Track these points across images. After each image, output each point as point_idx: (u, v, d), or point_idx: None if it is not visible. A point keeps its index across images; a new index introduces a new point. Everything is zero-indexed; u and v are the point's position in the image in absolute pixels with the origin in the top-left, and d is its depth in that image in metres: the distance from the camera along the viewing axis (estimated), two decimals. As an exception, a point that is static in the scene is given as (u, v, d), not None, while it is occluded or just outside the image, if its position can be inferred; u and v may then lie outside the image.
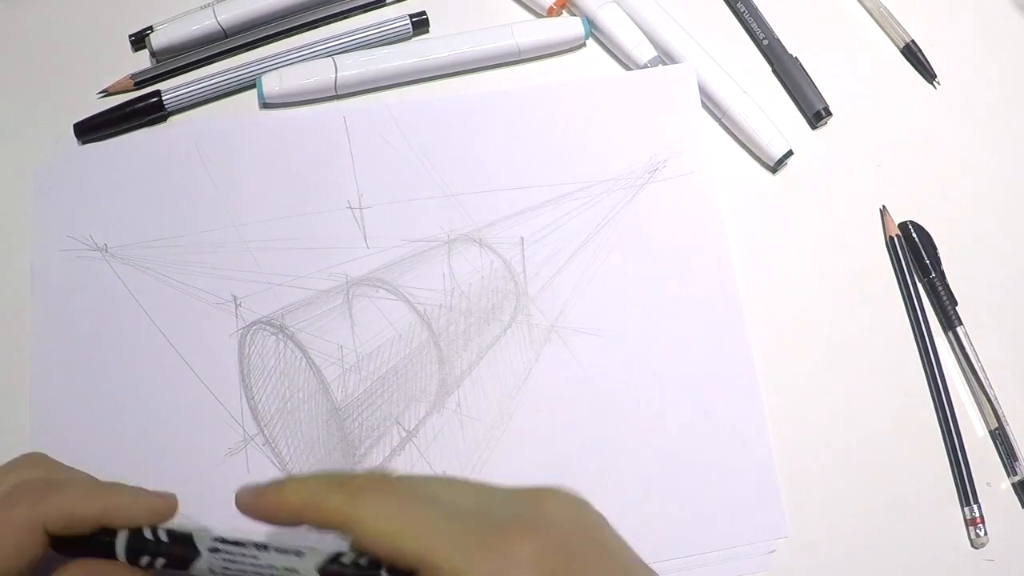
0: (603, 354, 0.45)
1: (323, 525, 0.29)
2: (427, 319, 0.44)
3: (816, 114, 0.50)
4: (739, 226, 0.48)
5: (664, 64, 0.50)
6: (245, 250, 0.46)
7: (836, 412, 0.45)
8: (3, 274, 0.46)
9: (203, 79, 0.49)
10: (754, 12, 0.52)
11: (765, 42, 0.51)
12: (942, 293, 0.47)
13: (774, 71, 0.51)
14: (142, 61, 0.50)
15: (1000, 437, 0.45)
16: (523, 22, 0.51)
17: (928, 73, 0.51)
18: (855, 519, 0.44)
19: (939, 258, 0.48)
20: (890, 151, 0.50)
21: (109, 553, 0.30)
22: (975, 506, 0.44)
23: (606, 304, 0.46)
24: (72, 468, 0.34)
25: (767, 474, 0.43)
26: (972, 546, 0.44)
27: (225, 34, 0.50)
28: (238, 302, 0.45)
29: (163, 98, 0.48)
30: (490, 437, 0.44)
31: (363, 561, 0.29)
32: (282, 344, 0.43)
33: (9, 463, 0.33)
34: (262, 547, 0.30)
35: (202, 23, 0.49)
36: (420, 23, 0.50)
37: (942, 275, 0.47)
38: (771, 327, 0.46)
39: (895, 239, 0.48)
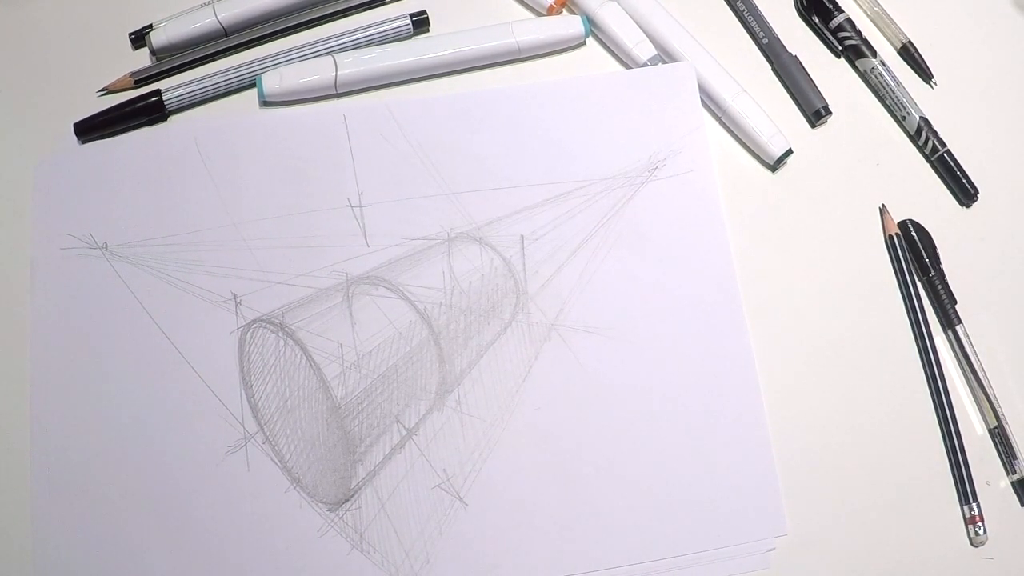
0: (603, 352, 0.45)
1: None
2: (427, 317, 0.44)
3: (816, 113, 0.50)
4: (739, 225, 0.48)
5: (664, 63, 0.50)
6: (245, 248, 0.46)
7: (835, 410, 0.45)
8: (3, 272, 0.46)
9: (203, 78, 0.49)
10: (754, 11, 0.52)
11: (765, 41, 0.51)
12: (941, 292, 0.47)
13: (774, 70, 0.51)
14: (142, 59, 0.50)
15: (999, 435, 0.45)
16: (523, 21, 0.51)
17: (925, 73, 0.52)
18: (854, 517, 0.44)
19: (938, 257, 0.48)
20: (889, 150, 0.50)
21: None
22: (974, 504, 0.44)
23: (606, 302, 0.46)
24: None
25: (766, 472, 0.44)
26: (971, 544, 0.44)
27: (225, 32, 0.50)
28: (238, 300, 0.45)
29: (163, 97, 0.48)
30: (490, 435, 0.44)
31: None
32: (282, 342, 0.43)
33: None
34: None
35: (202, 21, 0.49)
36: (420, 22, 0.50)
37: (941, 274, 0.48)
38: (770, 325, 0.46)
39: (894, 238, 0.48)
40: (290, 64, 0.49)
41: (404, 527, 0.42)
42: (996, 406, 0.45)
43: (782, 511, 0.43)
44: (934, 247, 0.48)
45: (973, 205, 0.49)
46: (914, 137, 0.50)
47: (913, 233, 0.48)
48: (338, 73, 0.48)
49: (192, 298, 0.45)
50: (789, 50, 0.51)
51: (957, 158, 0.49)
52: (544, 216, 0.47)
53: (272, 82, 0.48)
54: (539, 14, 0.51)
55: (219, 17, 0.49)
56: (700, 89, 0.49)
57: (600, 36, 0.51)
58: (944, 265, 0.48)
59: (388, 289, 0.45)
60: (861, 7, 0.53)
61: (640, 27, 0.50)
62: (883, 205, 0.49)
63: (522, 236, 0.47)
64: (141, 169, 0.47)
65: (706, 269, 0.46)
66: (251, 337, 0.44)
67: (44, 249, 0.46)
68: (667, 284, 0.46)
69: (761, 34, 0.51)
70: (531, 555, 0.42)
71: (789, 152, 0.49)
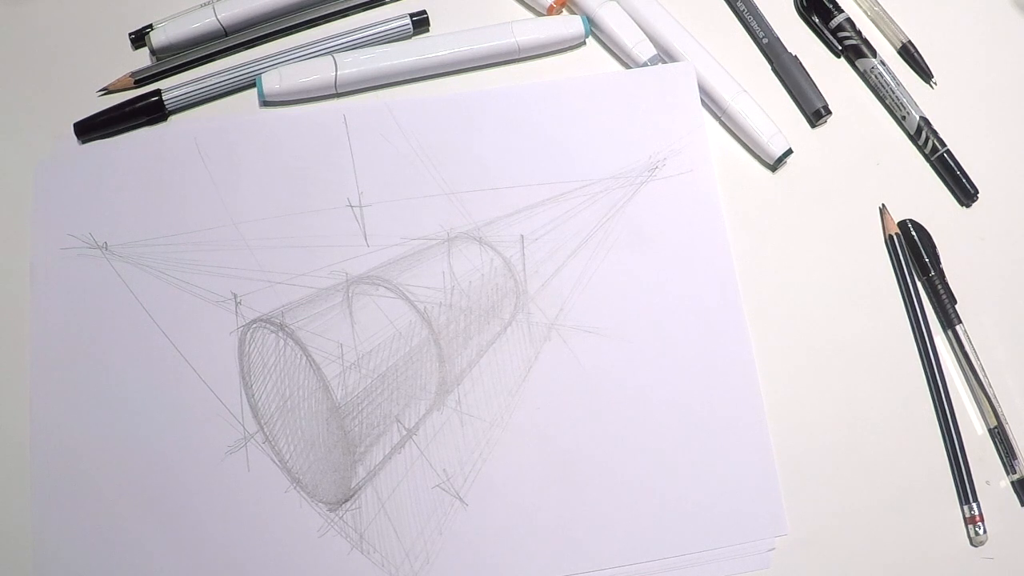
0: (603, 352, 0.45)
1: None
2: (427, 317, 0.44)
3: (816, 112, 0.50)
4: (739, 224, 0.48)
5: (664, 62, 0.50)
6: (245, 248, 0.46)
7: (835, 410, 0.45)
8: (3, 273, 0.46)
9: (203, 77, 0.49)
10: (754, 11, 0.52)
11: (765, 40, 0.51)
12: (941, 291, 0.47)
13: (774, 70, 0.51)
14: (142, 59, 0.50)
15: (999, 435, 0.45)
16: (523, 20, 0.51)
17: (925, 73, 0.52)
18: (854, 517, 0.44)
19: (938, 256, 0.48)
20: (889, 150, 0.50)
21: None
22: (974, 504, 0.44)
23: (606, 302, 0.46)
24: None
25: (766, 472, 0.44)
26: (971, 544, 0.44)
27: (225, 32, 0.50)
28: (238, 300, 0.45)
29: (163, 97, 0.48)
30: (490, 435, 0.44)
31: None
32: (282, 342, 0.43)
33: None
34: None
35: (202, 21, 0.49)
36: (420, 22, 0.50)
37: (941, 273, 0.48)
38: (771, 325, 0.46)
39: (894, 237, 0.48)
40: (290, 64, 0.49)
41: (404, 527, 0.42)
42: (996, 406, 0.45)
43: (782, 511, 0.43)
44: (934, 247, 0.48)
45: (973, 205, 0.49)
46: (914, 137, 0.50)
47: (913, 233, 0.48)
48: (338, 73, 0.48)
49: (192, 298, 0.45)
50: (789, 50, 0.51)
51: (957, 158, 0.49)
52: (544, 216, 0.47)
53: (272, 82, 0.48)
54: (539, 14, 0.51)
55: (219, 17, 0.49)
56: (700, 89, 0.49)
57: (600, 36, 0.51)
58: (944, 265, 0.48)
59: (388, 289, 0.45)
60: (861, 7, 0.53)
61: (640, 27, 0.50)
62: (883, 205, 0.49)
63: (522, 236, 0.47)
64: (141, 169, 0.47)
65: (706, 269, 0.46)
66: (251, 337, 0.44)
67: (44, 249, 0.46)
68: (667, 284, 0.46)
69: (761, 34, 0.51)
70: (531, 555, 0.42)
71: (789, 152, 0.49)
